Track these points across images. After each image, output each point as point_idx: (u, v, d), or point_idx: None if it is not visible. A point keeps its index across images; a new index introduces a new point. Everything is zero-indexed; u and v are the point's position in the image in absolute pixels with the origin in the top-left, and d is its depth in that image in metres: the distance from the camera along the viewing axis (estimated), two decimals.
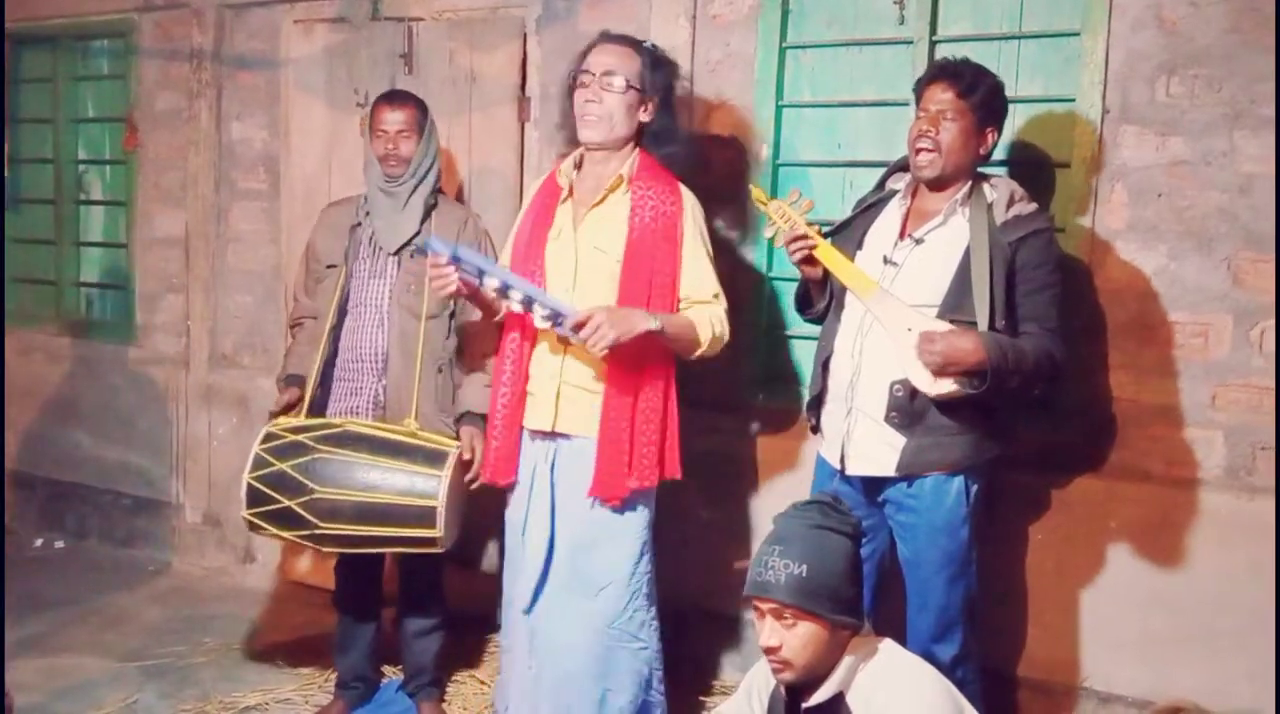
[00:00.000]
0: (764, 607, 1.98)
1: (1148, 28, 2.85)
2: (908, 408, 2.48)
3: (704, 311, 2.66)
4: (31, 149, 4.95)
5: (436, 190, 3.10)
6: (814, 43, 3.34)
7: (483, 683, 3.46)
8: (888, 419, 2.50)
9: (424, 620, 3.17)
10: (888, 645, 2.06)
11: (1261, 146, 2.75)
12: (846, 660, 1.99)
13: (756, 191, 2.75)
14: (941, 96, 2.50)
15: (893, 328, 2.46)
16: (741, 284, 3.26)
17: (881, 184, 2.75)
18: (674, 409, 2.71)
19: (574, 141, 2.77)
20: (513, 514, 2.80)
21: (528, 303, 2.53)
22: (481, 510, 3.16)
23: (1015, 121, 2.96)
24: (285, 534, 2.89)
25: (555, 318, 2.52)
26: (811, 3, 3.33)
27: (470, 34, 3.78)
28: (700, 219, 2.73)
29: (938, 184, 2.55)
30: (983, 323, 2.42)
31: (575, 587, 2.68)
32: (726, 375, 3.30)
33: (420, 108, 3.09)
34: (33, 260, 4.97)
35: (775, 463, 3.38)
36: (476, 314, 2.85)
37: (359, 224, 3.09)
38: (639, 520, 2.70)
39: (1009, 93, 2.61)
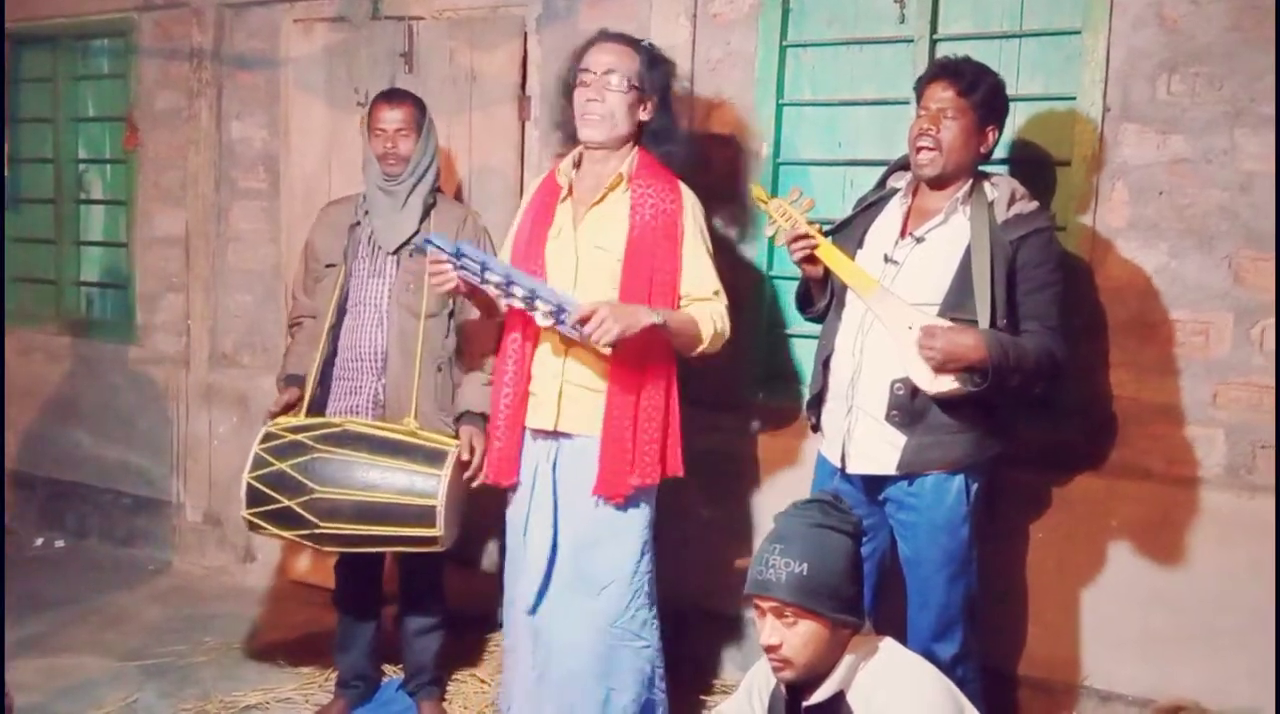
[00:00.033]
0: (765, 605, 1.98)
1: (1148, 26, 2.85)
2: (908, 406, 2.48)
3: (705, 308, 2.66)
4: (32, 148, 4.95)
5: (435, 189, 3.10)
6: (814, 41, 3.34)
7: (483, 682, 3.46)
8: (888, 418, 2.50)
9: (424, 619, 3.16)
10: (888, 644, 2.06)
11: (1262, 144, 2.75)
12: (847, 659, 1.99)
13: (757, 190, 2.75)
14: (942, 95, 2.50)
15: (893, 326, 2.46)
16: (742, 283, 3.26)
17: (882, 183, 2.75)
18: (676, 407, 2.71)
19: (571, 141, 2.77)
20: (514, 514, 2.80)
21: (530, 299, 2.52)
22: (481, 509, 3.16)
23: (1016, 120, 2.96)
24: (285, 534, 2.89)
25: (558, 314, 2.51)
26: (812, 1, 3.33)
27: (470, 33, 3.78)
28: (700, 216, 2.73)
29: (938, 182, 2.55)
30: (984, 321, 2.41)
31: (578, 585, 2.68)
32: (727, 374, 3.30)
33: (418, 106, 3.09)
34: (33, 260, 4.97)
35: (776, 461, 3.38)
36: (475, 313, 2.85)
37: (358, 223, 3.09)
38: (641, 519, 2.70)
39: (1010, 91, 2.61)
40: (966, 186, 2.54)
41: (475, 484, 2.91)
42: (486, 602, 3.70)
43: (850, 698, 1.98)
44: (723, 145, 3.41)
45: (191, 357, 4.50)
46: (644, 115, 2.70)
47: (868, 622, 2.07)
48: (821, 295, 2.71)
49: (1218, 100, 2.79)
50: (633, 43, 2.72)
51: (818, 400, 2.69)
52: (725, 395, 3.37)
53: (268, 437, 2.89)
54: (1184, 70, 2.83)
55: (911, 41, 3.16)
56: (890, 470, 2.52)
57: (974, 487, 2.53)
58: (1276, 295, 2.76)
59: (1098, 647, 2.98)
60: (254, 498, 2.85)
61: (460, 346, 3.03)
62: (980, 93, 2.49)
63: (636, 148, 2.71)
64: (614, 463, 2.61)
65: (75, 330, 4.85)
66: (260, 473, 2.84)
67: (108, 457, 4.74)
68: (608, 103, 2.64)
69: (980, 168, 2.59)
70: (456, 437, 2.92)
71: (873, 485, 2.60)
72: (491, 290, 2.57)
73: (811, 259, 2.59)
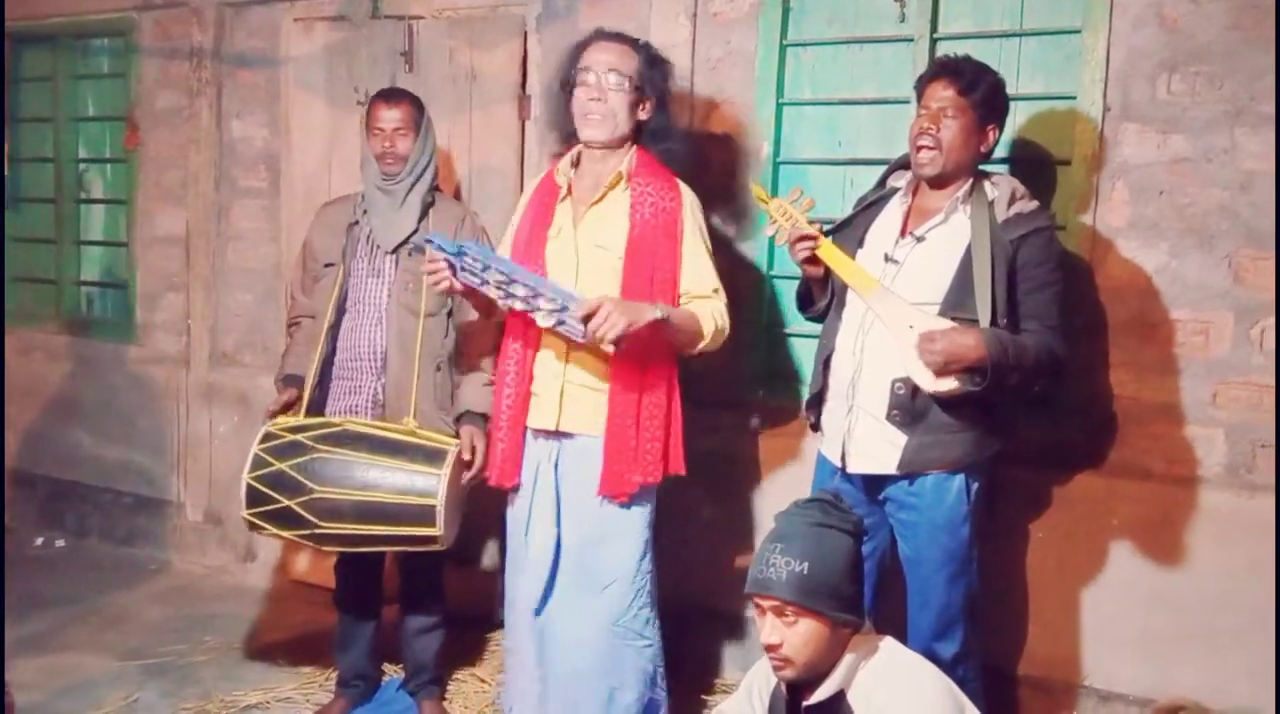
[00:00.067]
0: (765, 604, 1.98)
1: (1149, 25, 2.85)
2: (909, 406, 2.47)
3: (705, 306, 2.66)
4: (32, 148, 4.95)
5: (434, 188, 3.10)
6: (815, 40, 3.34)
7: (483, 681, 3.46)
8: (889, 417, 2.50)
9: (424, 619, 3.17)
10: (888, 643, 2.06)
11: (1262, 143, 2.75)
12: (847, 658, 1.99)
13: (757, 190, 2.75)
14: (943, 94, 2.50)
15: (894, 326, 2.46)
16: (742, 282, 3.26)
17: (882, 182, 2.74)
18: (677, 405, 2.71)
19: (567, 140, 2.78)
20: (515, 514, 2.79)
21: (532, 298, 2.50)
22: (481, 509, 3.16)
23: (1016, 119, 2.96)
24: (285, 534, 2.88)
25: (561, 312, 2.49)
26: (812, 0, 3.33)
27: (471, 32, 3.78)
28: (699, 214, 2.73)
29: (939, 182, 2.55)
30: (984, 320, 2.41)
31: (581, 584, 2.68)
32: (727, 374, 3.30)
33: (416, 105, 3.09)
34: (33, 259, 4.97)
35: (776, 461, 3.38)
36: (474, 312, 2.85)
37: (356, 222, 3.08)
38: (642, 518, 2.70)
39: (1010, 90, 2.61)
40: (967, 186, 2.54)
41: (474, 483, 2.91)
42: (487, 601, 3.70)
43: (851, 697, 1.98)
44: (723, 145, 3.41)
45: (192, 356, 4.50)
46: (643, 114, 2.70)
47: (868, 621, 2.07)
48: (822, 295, 2.71)
49: (1218, 99, 2.79)
50: (631, 42, 2.72)
51: (818, 400, 2.69)
52: (726, 395, 3.37)
53: (267, 437, 2.89)
54: (1184, 69, 2.82)
55: (912, 40, 3.16)
56: (891, 470, 2.52)
57: (974, 486, 2.53)
58: (1277, 295, 2.76)
59: (1098, 646, 2.98)
60: (254, 498, 2.84)
61: (459, 346, 3.03)
62: (980, 92, 2.49)
63: (635, 146, 2.71)
64: (618, 462, 2.61)
65: (76, 330, 4.85)
66: (260, 473, 2.83)
67: (108, 456, 4.74)
68: (610, 102, 2.63)
69: (980, 167, 2.59)
70: (456, 436, 2.92)
71: (873, 485, 2.60)
72: (492, 291, 2.56)
73: (813, 259, 2.58)
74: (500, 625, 3.26)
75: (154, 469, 4.62)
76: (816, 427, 2.73)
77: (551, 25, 3.66)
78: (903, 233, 2.58)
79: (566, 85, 2.72)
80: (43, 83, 4.86)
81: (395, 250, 3.02)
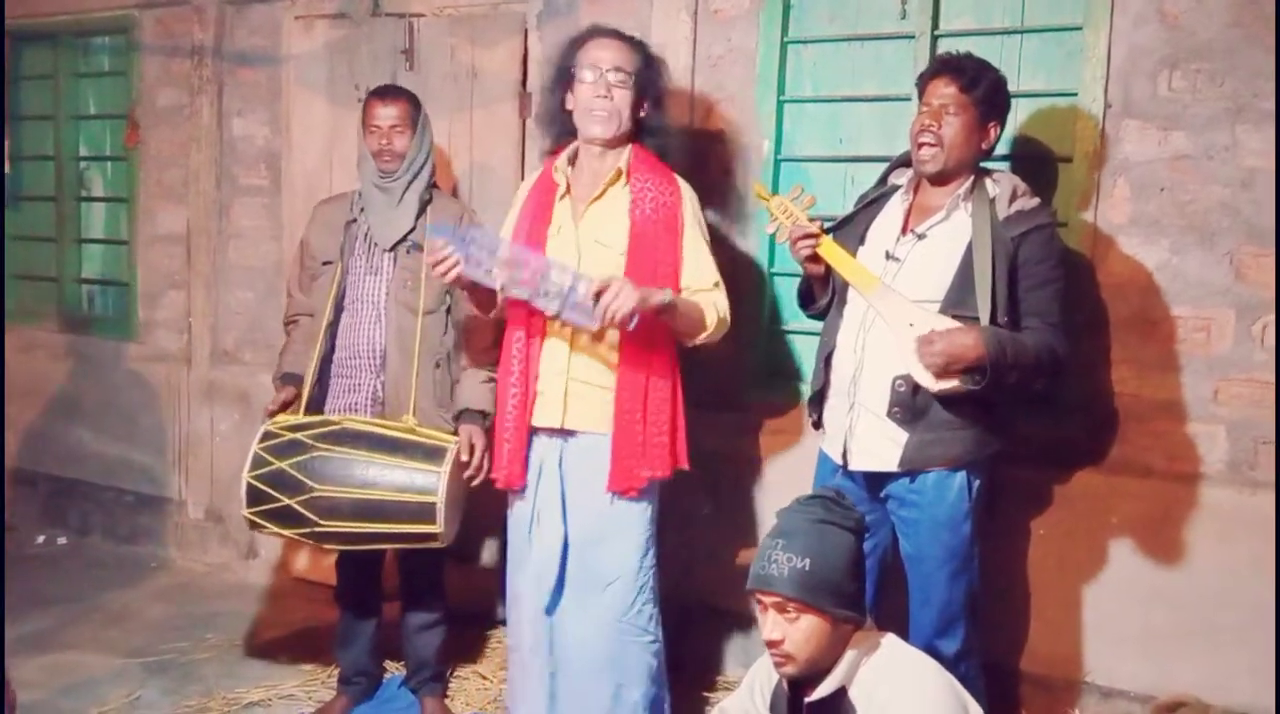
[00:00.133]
0: (767, 600, 1.98)
1: (1149, 22, 2.85)
2: (910, 403, 2.47)
3: (706, 297, 2.66)
4: (32, 146, 4.95)
5: (431, 185, 3.09)
6: (816, 37, 3.34)
7: (485, 678, 3.46)
8: (890, 414, 2.50)
9: (425, 616, 3.17)
10: (890, 640, 2.06)
11: (1263, 141, 2.75)
12: (849, 655, 1.99)
13: (758, 187, 2.75)
14: (944, 91, 2.50)
15: (895, 323, 2.46)
16: (742, 279, 3.26)
17: (883, 179, 2.74)
18: (681, 400, 2.71)
19: (563, 138, 2.77)
20: (518, 512, 2.79)
21: (539, 281, 2.46)
22: (481, 506, 3.16)
23: (1017, 116, 2.95)
24: (286, 532, 2.89)
25: (568, 295, 2.45)
26: None
27: (471, 30, 3.78)
28: (698, 209, 2.74)
29: (940, 179, 2.55)
30: (985, 318, 2.41)
31: (585, 582, 2.68)
32: (728, 371, 3.30)
33: (413, 102, 3.08)
34: (34, 257, 4.97)
35: (777, 458, 3.38)
36: (473, 309, 2.84)
37: (354, 220, 3.08)
38: (646, 514, 2.70)
39: (1011, 87, 2.60)
40: (968, 183, 2.54)
41: (475, 483, 2.91)
42: (488, 598, 3.70)
43: (852, 694, 1.98)
44: (724, 142, 3.40)
45: (193, 354, 4.50)
46: (642, 112, 2.70)
47: (869, 618, 2.07)
48: (823, 292, 2.71)
49: (1219, 96, 2.79)
50: (630, 39, 2.72)
51: (819, 397, 2.69)
52: (726, 393, 3.37)
53: (266, 435, 2.89)
54: (1185, 66, 2.82)
55: (913, 38, 3.15)
56: (892, 467, 2.52)
57: (976, 483, 2.53)
58: (1277, 292, 2.75)
59: (1099, 643, 2.98)
60: (254, 497, 2.85)
61: (458, 343, 3.03)
62: (982, 89, 2.49)
63: (632, 143, 2.71)
64: (626, 457, 2.61)
65: (76, 328, 4.85)
66: (260, 472, 2.84)
67: (109, 454, 4.74)
68: (615, 100, 2.64)
69: (982, 164, 2.59)
70: (456, 434, 2.92)
71: (874, 482, 2.60)
72: (499, 277, 2.50)
73: (814, 257, 2.59)
74: (501, 622, 3.27)
75: (155, 467, 4.62)
76: (819, 424, 2.73)
77: (552, 23, 3.65)
78: (904, 230, 2.57)
79: (563, 81, 2.71)
80: (43, 80, 4.86)
81: (393, 248, 3.02)
